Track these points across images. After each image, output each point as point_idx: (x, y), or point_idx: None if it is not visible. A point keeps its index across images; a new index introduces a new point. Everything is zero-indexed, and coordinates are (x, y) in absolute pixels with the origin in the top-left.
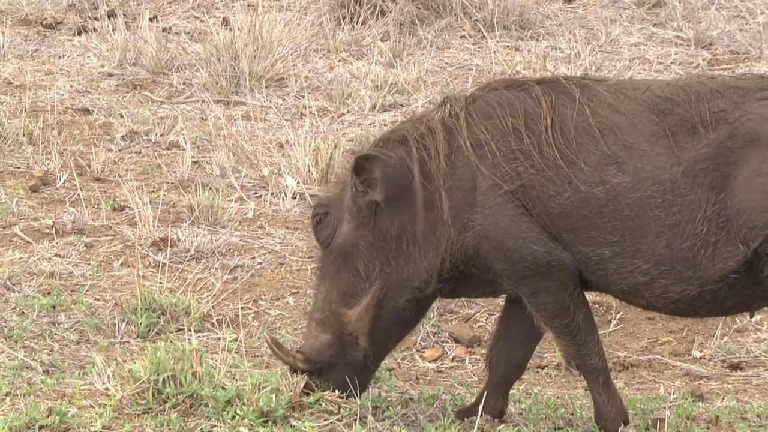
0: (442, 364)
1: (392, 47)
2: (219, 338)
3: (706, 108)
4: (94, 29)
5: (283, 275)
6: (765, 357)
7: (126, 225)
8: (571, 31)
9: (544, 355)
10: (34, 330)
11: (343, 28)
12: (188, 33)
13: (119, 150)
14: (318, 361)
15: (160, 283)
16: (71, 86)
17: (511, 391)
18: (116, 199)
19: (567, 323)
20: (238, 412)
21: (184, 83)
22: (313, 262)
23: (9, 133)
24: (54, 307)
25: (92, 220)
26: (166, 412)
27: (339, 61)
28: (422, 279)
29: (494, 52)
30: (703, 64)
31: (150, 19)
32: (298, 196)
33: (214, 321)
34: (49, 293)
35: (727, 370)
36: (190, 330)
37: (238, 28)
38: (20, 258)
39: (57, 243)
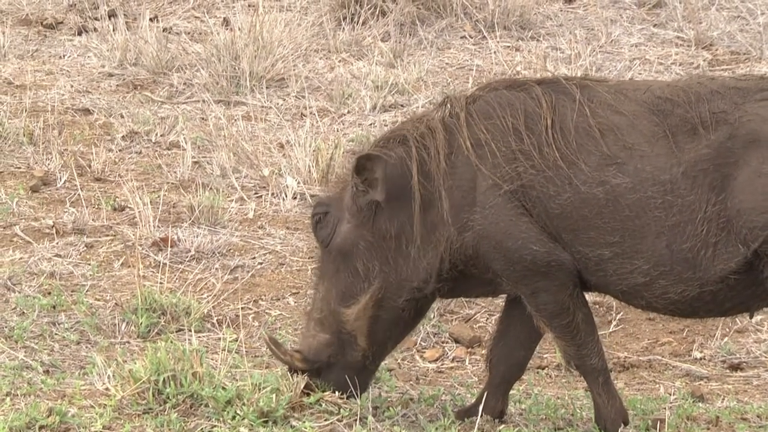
0: (442, 365)
1: (393, 47)
2: (219, 338)
3: (706, 109)
4: (95, 29)
5: (284, 275)
6: (765, 358)
7: (126, 225)
8: (571, 31)
9: (545, 356)
10: (34, 330)
11: (343, 28)
12: (189, 33)
13: (120, 150)
14: (316, 360)
15: (161, 283)
16: (72, 86)
17: (512, 392)
18: (117, 199)
19: (566, 323)
20: (238, 412)
21: (185, 83)
22: (314, 263)
23: (9, 133)
24: (54, 307)
25: (93, 220)
26: (166, 413)
27: (339, 61)
28: (421, 279)
29: (495, 52)
30: (703, 64)
31: (150, 19)
32: (298, 197)
33: (215, 321)
34: (49, 293)
35: (728, 371)
36: (190, 330)
37: (239, 29)
38: (21, 258)
39: (57, 243)
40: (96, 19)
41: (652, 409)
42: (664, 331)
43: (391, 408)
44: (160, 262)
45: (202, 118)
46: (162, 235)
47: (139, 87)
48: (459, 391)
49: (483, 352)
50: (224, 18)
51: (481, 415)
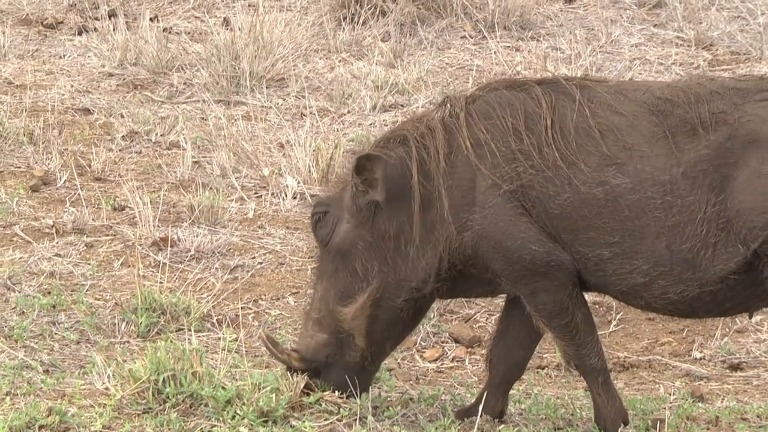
0: (442, 365)
1: (393, 47)
2: (219, 338)
3: (705, 109)
4: (95, 29)
5: (284, 275)
6: (765, 358)
7: (126, 225)
8: (571, 31)
9: (544, 356)
10: (34, 330)
11: (343, 28)
12: (189, 33)
13: (120, 150)
14: (313, 360)
15: (161, 282)
16: (72, 86)
17: (511, 392)
18: (116, 198)
19: (566, 323)
20: (238, 412)
21: (185, 83)
22: (313, 262)
23: (9, 132)
24: (54, 306)
25: (92, 219)
26: (166, 412)
27: (339, 61)
28: (420, 279)
29: (495, 52)
30: (703, 65)
31: (151, 19)
32: (298, 196)
33: (215, 321)
34: (49, 293)
35: (727, 371)
36: (190, 330)
37: (239, 28)
38: (20, 258)
39: (57, 243)
40: (96, 18)
41: (651, 409)
42: (664, 331)
43: (390, 408)
44: (159, 261)
45: (202, 118)
46: (162, 235)
47: (139, 87)
48: (459, 391)
49: (483, 352)
50: (224, 18)
51: (481, 415)
